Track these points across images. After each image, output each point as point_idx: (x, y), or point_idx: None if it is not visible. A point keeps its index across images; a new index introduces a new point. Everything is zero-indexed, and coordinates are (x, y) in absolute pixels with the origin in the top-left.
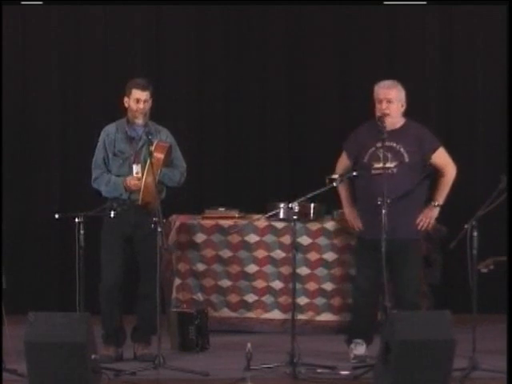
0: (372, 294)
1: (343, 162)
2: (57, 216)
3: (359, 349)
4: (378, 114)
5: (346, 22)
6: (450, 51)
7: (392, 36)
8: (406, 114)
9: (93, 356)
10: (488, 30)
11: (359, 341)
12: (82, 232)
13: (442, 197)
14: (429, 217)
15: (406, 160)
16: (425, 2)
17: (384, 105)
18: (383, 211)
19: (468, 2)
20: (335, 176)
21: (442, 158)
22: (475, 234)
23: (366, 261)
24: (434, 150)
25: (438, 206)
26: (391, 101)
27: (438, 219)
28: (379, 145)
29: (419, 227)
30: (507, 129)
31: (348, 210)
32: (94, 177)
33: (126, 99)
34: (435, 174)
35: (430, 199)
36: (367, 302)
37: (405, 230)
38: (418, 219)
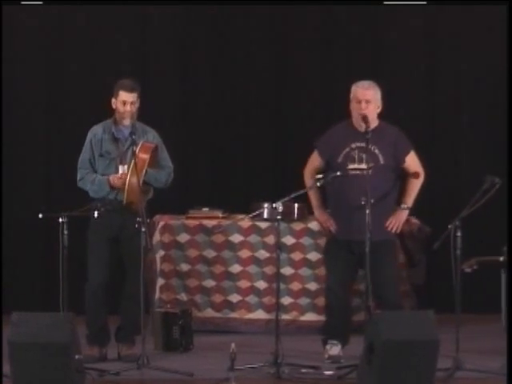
0: (344, 295)
1: (315, 160)
2: (40, 216)
3: (334, 349)
4: (358, 113)
5: (345, 21)
6: (450, 51)
7: (392, 36)
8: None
9: (77, 356)
10: (488, 30)
11: (334, 341)
12: (65, 232)
13: (411, 199)
14: (399, 219)
15: (381, 162)
16: (425, 2)
17: (363, 105)
18: (367, 211)
19: (468, 2)
20: (319, 176)
21: (413, 161)
22: (459, 234)
23: (337, 262)
24: (407, 153)
25: (407, 208)
26: (369, 101)
27: (422, 219)
28: (354, 145)
29: (389, 229)
30: (507, 128)
31: (318, 212)
32: (79, 177)
33: (113, 100)
34: (404, 176)
35: (398, 202)
36: (340, 303)
37: (380, 232)
38: (388, 222)
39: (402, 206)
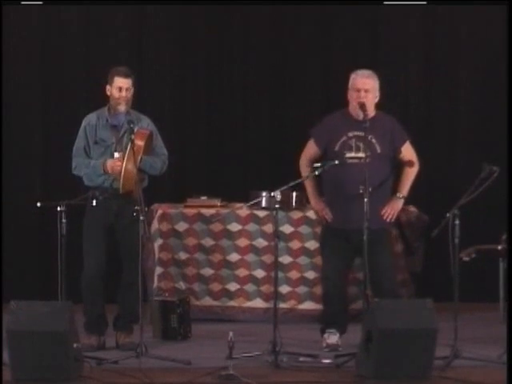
0: (341, 283)
1: (311, 149)
2: (39, 204)
3: (332, 338)
4: (356, 102)
5: (345, 21)
6: (450, 51)
7: (392, 36)
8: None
9: (75, 344)
10: (488, 30)
11: (332, 330)
12: (64, 220)
13: (406, 189)
14: (394, 208)
15: (378, 151)
16: (425, 2)
17: (362, 93)
18: (365, 200)
19: (468, 2)
20: (317, 164)
21: (409, 151)
22: (457, 222)
23: (334, 250)
24: (404, 143)
25: (402, 197)
26: (368, 90)
27: (419, 208)
28: (351, 134)
29: (384, 218)
30: (507, 125)
31: (314, 201)
32: (74, 165)
33: (108, 87)
34: (399, 166)
35: (394, 191)
36: (337, 292)
37: (377, 220)
38: (383, 211)
39: (398, 194)
